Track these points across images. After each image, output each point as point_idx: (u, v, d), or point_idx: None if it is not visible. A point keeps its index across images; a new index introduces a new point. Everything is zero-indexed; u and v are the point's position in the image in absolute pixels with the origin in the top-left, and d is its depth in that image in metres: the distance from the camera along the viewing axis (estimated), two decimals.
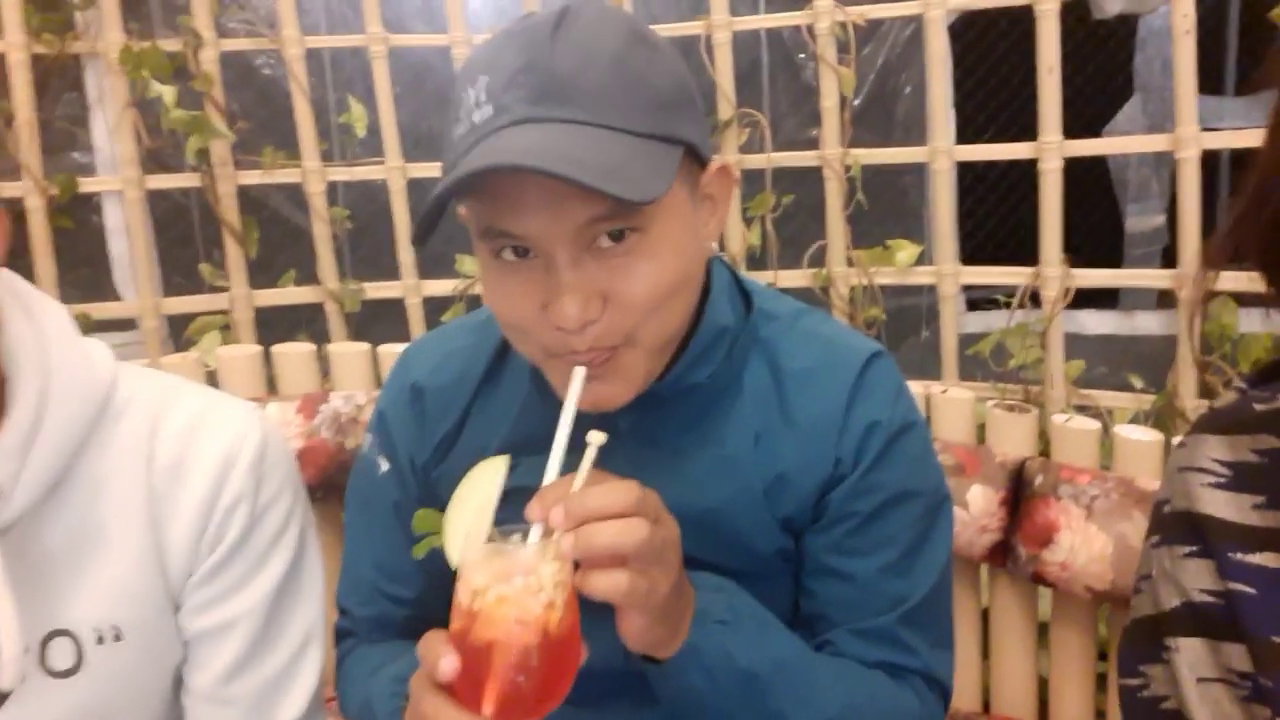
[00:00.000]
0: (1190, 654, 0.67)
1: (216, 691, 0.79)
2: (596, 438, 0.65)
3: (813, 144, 1.82)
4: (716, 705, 0.74)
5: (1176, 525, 0.71)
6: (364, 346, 1.39)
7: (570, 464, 0.67)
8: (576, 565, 0.64)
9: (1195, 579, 0.69)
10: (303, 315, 1.85)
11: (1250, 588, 0.66)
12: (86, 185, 1.73)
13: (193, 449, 0.78)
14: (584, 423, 0.67)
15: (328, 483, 1.29)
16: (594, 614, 0.66)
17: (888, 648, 0.83)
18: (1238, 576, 0.67)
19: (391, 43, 1.77)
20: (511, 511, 0.64)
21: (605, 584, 0.62)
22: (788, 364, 0.84)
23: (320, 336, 1.75)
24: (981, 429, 1.49)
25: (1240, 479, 0.69)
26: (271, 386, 1.37)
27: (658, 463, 0.81)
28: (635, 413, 0.78)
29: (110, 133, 1.72)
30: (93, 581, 0.75)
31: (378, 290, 1.86)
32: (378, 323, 1.85)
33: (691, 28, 1.77)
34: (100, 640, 0.75)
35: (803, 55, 2.31)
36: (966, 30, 2.74)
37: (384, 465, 0.92)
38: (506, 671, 0.61)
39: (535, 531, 0.63)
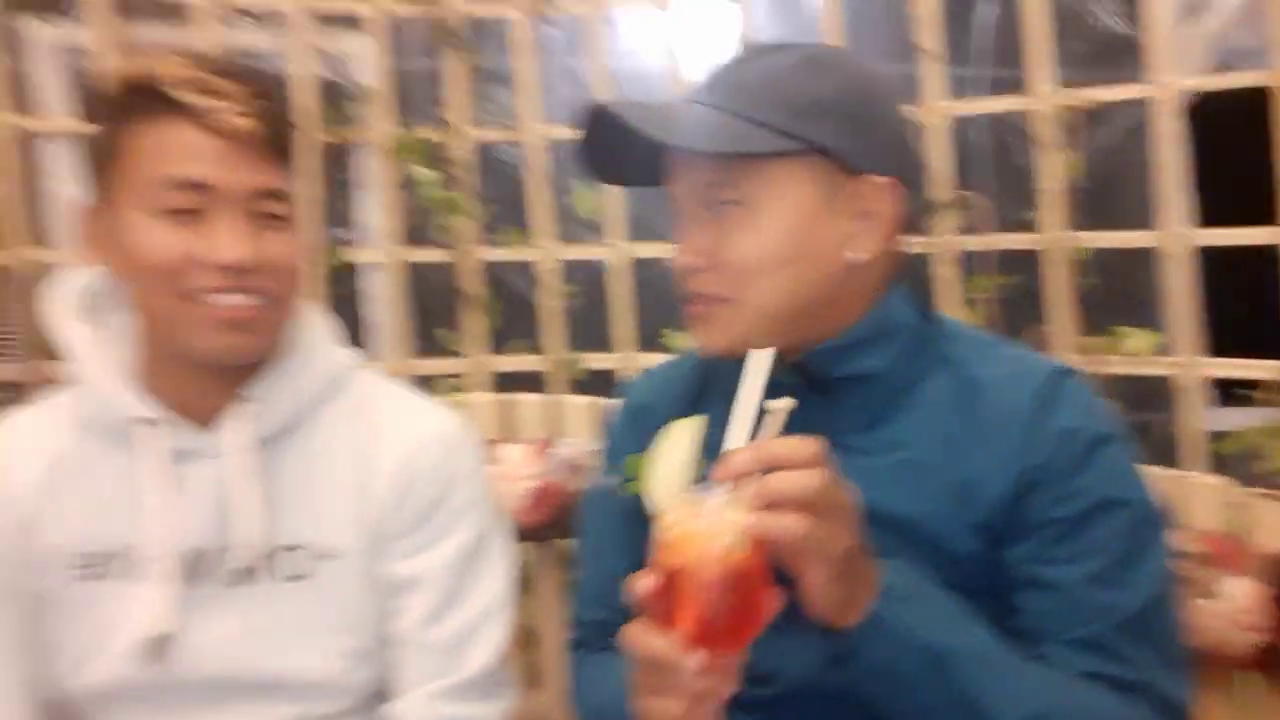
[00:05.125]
0: None
1: (415, 636, 0.94)
2: (782, 403, 0.71)
3: (1029, 226, 1.79)
4: (906, 683, 0.74)
5: None
6: (593, 400, 1.47)
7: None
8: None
9: None
10: (526, 382, 1.97)
11: None
12: (355, 257, 1.95)
13: (399, 423, 0.98)
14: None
15: (557, 523, 1.35)
16: (784, 626, 0.69)
17: (1104, 658, 0.79)
18: None
19: None
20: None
21: (785, 523, 0.66)
22: (975, 376, 0.87)
23: None
24: (1235, 522, 1.37)
25: None
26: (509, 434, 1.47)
27: (844, 462, 0.84)
28: (803, 406, 0.83)
29: (378, 211, 1.94)
30: (316, 509, 0.94)
31: (597, 361, 1.96)
32: (594, 393, 1.94)
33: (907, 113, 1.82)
34: (320, 557, 0.93)
35: (1022, 138, 2.30)
36: (1208, 112, 2.63)
37: (612, 482, 0.99)
38: (696, 599, 0.66)
39: (722, 493, 0.69)
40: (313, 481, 0.94)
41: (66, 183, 1.87)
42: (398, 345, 1.94)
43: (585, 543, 1.04)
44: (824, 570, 0.69)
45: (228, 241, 0.85)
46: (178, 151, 0.85)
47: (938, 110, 1.78)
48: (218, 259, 0.85)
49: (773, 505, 0.66)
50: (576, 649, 1.02)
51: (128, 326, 0.96)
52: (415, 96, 2.04)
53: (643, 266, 1.96)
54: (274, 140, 0.89)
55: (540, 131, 1.92)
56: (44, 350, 1.74)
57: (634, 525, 0.95)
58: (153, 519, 0.89)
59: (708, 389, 0.98)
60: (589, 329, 2.06)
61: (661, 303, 2.08)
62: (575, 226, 2.01)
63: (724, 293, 0.83)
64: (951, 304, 1.82)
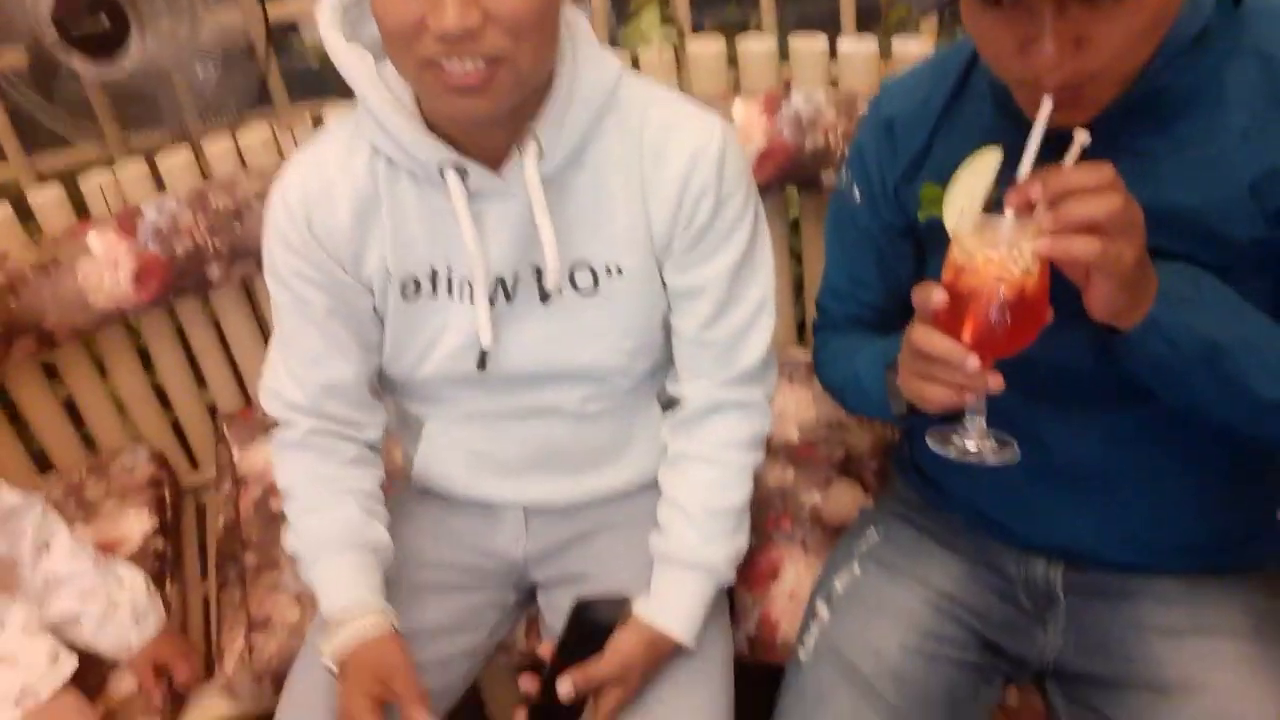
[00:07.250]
0: None
1: (697, 335, 1.06)
2: (1080, 136, 0.72)
3: None
4: (1177, 375, 0.79)
5: None
6: (821, 43, 1.38)
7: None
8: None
9: None
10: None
11: None
12: None
13: (671, 141, 0.98)
14: (1048, 137, 0.74)
15: (784, 178, 1.36)
16: (1065, 319, 0.75)
17: None
18: None
19: None
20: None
21: (1081, 245, 0.69)
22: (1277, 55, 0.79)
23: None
24: None
25: None
26: (735, 86, 1.44)
27: (1131, 166, 0.80)
28: (1098, 123, 0.79)
29: None
30: (602, 231, 1.00)
31: None
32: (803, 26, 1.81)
33: None
34: (609, 272, 1.02)
35: None
36: None
37: (858, 196, 1.04)
38: (983, 314, 0.74)
39: (1014, 219, 0.73)
40: (598, 205, 1.00)
41: None
42: None
43: (831, 248, 1.12)
44: (1112, 282, 0.73)
45: (444, 7, 0.81)
46: None
47: None
48: (436, 27, 0.82)
49: (1068, 229, 0.70)
50: (822, 330, 1.15)
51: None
52: None
53: None
54: None
55: None
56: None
57: (875, 238, 1.03)
58: (464, 252, 0.98)
59: (961, 99, 0.94)
60: None
61: None
62: None
63: (1092, 75, 0.74)
64: None
